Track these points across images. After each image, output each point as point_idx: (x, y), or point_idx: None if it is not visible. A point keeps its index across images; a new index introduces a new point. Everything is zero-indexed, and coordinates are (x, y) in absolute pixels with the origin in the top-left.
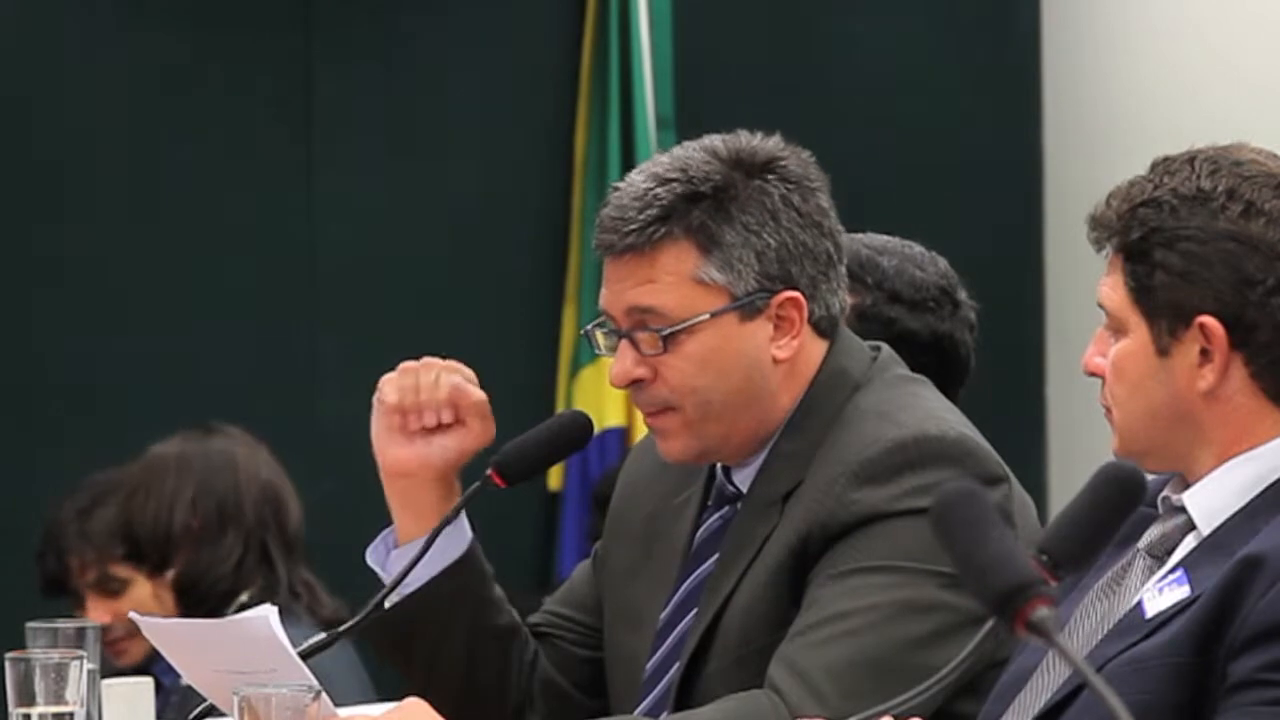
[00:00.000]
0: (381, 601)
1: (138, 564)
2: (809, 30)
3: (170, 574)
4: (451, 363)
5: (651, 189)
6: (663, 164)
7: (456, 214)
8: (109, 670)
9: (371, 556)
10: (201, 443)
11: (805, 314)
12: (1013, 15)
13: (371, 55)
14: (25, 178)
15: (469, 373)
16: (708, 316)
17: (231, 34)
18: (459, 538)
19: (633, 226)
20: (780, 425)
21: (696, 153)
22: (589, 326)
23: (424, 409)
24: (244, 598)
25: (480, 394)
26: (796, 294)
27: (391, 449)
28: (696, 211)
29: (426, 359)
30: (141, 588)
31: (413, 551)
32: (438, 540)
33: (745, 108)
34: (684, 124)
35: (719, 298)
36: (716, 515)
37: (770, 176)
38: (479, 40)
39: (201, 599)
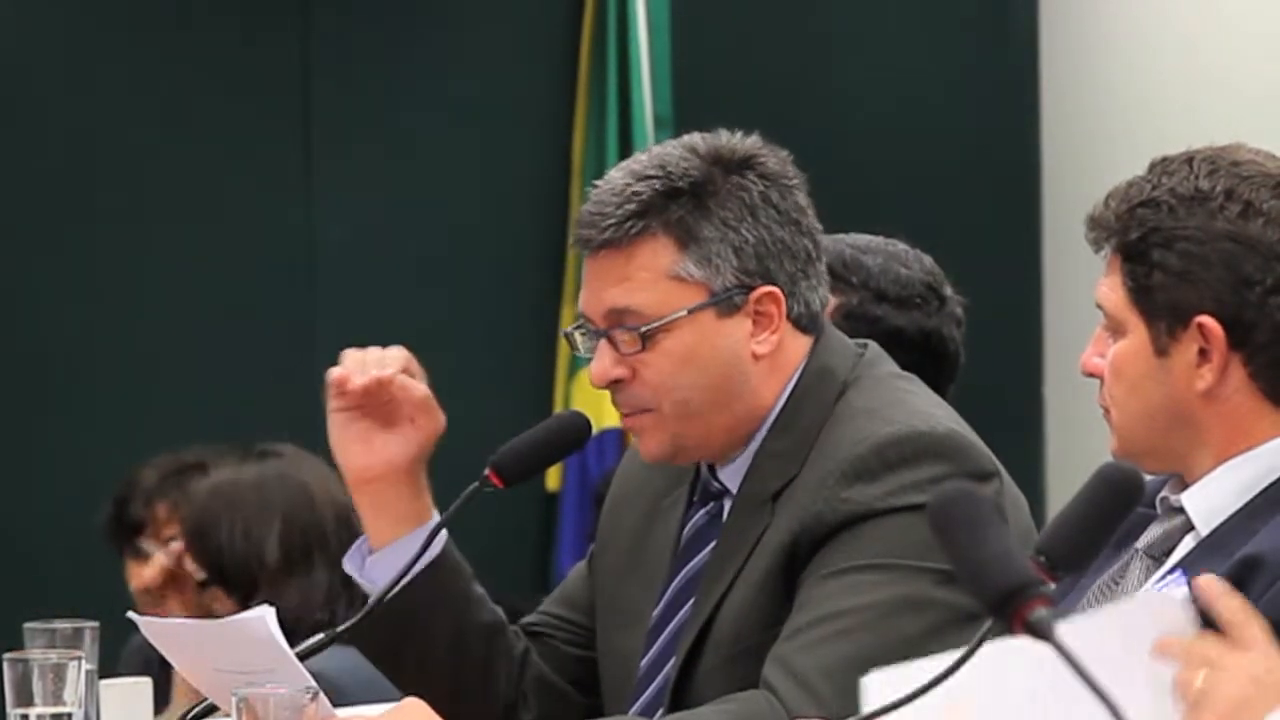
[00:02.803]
0: (383, 599)
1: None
2: (806, 31)
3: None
4: (392, 350)
5: (630, 185)
6: (642, 161)
7: (456, 214)
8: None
9: (349, 565)
10: (275, 467)
11: (784, 310)
12: (1010, 17)
13: (371, 56)
14: (25, 179)
15: (413, 366)
16: (685, 313)
17: (231, 35)
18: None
19: (610, 222)
20: (763, 422)
21: (675, 150)
22: (569, 329)
23: (384, 382)
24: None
25: (422, 389)
26: (775, 289)
27: (354, 456)
28: (674, 207)
29: (370, 349)
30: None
31: (395, 554)
32: (407, 541)
33: (743, 108)
34: (681, 124)
35: (697, 294)
36: (702, 511)
37: (749, 173)
38: (478, 41)
39: (292, 630)
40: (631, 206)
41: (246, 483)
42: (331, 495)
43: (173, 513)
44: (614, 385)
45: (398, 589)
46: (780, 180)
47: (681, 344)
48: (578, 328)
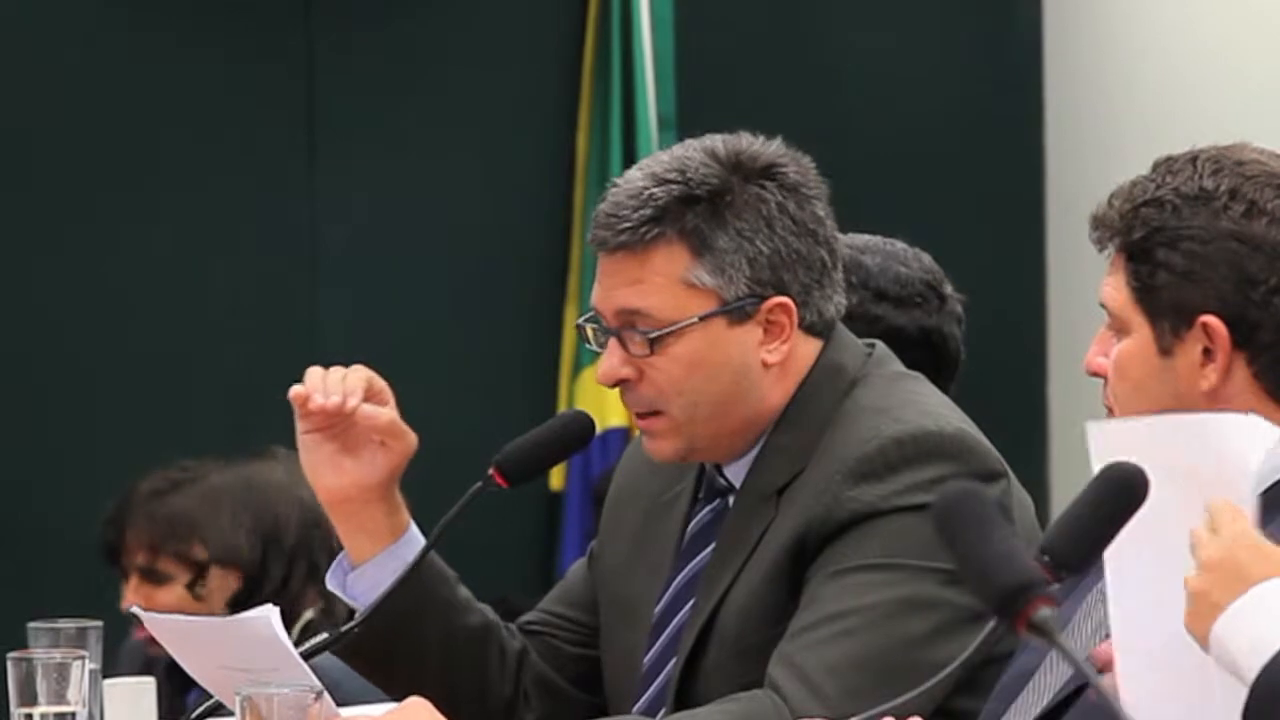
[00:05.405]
0: (386, 601)
1: (186, 566)
2: (810, 30)
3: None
4: (354, 372)
5: (648, 188)
6: (662, 163)
7: (456, 214)
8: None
9: (331, 582)
10: (243, 470)
11: (795, 320)
12: (1014, 15)
13: (372, 55)
14: (25, 176)
15: (376, 384)
16: (696, 320)
17: (232, 33)
18: (411, 546)
19: (626, 225)
20: (771, 421)
21: (696, 153)
22: (581, 320)
23: (345, 411)
24: (308, 615)
25: (386, 415)
26: (787, 300)
27: (324, 478)
28: (690, 214)
29: (332, 369)
30: (179, 587)
31: (375, 569)
32: (385, 556)
33: (746, 108)
34: (685, 124)
35: (708, 301)
36: (708, 508)
37: (768, 183)
38: (480, 40)
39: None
40: (648, 211)
41: (221, 486)
42: (300, 495)
43: (140, 535)
44: (621, 385)
45: (387, 594)
46: (799, 190)
47: (691, 350)
48: (590, 320)
